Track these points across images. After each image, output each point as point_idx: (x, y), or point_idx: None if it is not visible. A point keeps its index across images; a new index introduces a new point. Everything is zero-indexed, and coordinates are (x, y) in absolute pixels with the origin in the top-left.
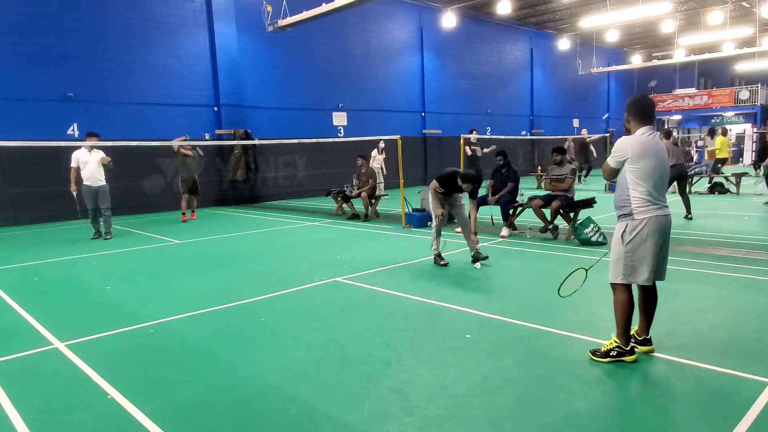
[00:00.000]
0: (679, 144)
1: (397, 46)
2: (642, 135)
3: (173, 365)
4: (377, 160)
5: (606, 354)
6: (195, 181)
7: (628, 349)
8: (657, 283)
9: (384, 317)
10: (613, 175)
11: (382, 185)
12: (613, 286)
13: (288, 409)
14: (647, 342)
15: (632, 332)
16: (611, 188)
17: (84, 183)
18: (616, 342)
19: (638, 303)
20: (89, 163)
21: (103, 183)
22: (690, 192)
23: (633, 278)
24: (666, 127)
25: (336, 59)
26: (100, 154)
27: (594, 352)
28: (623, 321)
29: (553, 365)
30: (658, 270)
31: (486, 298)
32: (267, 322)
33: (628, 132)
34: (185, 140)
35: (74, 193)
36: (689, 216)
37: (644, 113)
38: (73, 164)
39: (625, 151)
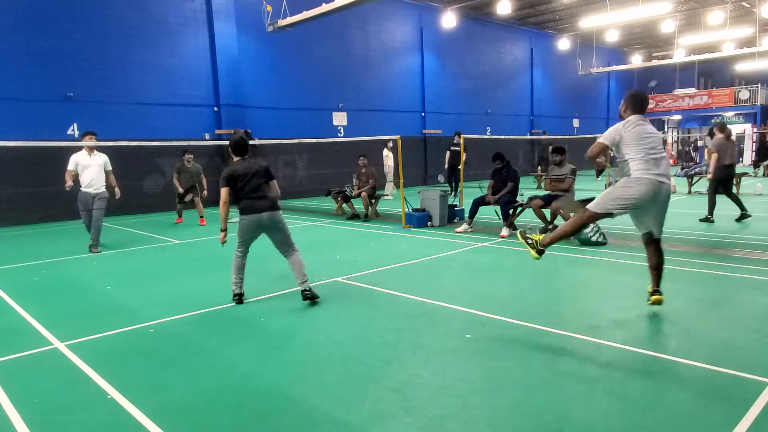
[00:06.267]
0: (734, 139)
1: (397, 46)
2: (631, 121)
3: (173, 365)
4: (390, 158)
5: (526, 239)
6: (187, 191)
7: (538, 251)
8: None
9: (384, 317)
10: (601, 152)
11: (391, 185)
12: (586, 209)
13: (288, 409)
14: (657, 293)
15: (648, 290)
16: None
17: (82, 189)
18: (539, 240)
19: (648, 261)
20: (90, 168)
21: (103, 191)
22: (690, 192)
23: (602, 209)
24: (720, 122)
25: (336, 59)
26: (102, 158)
27: (522, 233)
28: (559, 236)
29: (553, 365)
30: (645, 225)
31: (486, 298)
32: (267, 321)
33: (622, 119)
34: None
35: (67, 188)
36: (745, 214)
37: (637, 104)
38: (69, 167)
39: (618, 132)
